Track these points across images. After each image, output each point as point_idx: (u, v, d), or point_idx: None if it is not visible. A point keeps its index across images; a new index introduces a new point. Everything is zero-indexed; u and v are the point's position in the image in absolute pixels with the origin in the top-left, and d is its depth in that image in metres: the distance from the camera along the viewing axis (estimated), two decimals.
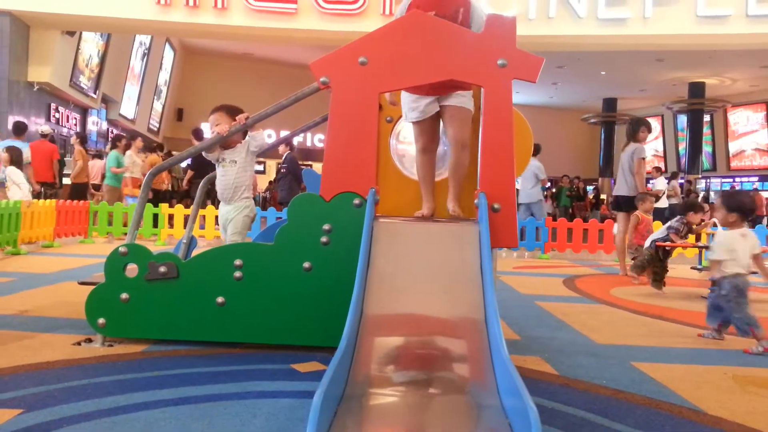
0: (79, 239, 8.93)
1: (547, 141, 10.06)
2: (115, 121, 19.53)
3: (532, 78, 2.88)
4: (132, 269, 3.01)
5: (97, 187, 11.69)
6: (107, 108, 19.07)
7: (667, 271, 5.90)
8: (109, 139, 16.08)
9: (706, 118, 24.40)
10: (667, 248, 5.80)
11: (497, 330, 2.04)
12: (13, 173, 7.78)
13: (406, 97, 3.40)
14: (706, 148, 25.34)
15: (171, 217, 9.42)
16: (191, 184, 10.84)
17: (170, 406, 2.21)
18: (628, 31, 13.48)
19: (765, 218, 17.67)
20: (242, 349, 3.00)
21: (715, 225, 6.33)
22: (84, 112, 17.50)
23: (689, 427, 2.24)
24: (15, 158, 7.88)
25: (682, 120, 25.00)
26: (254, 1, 13.30)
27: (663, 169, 21.51)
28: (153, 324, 3.01)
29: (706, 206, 10.53)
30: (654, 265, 5.75)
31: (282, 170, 10.61)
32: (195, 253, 3.27)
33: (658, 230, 6.08)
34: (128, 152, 10.60)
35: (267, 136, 6.23)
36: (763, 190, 21.96)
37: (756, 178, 24.65)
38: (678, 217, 6.02)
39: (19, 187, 7.71)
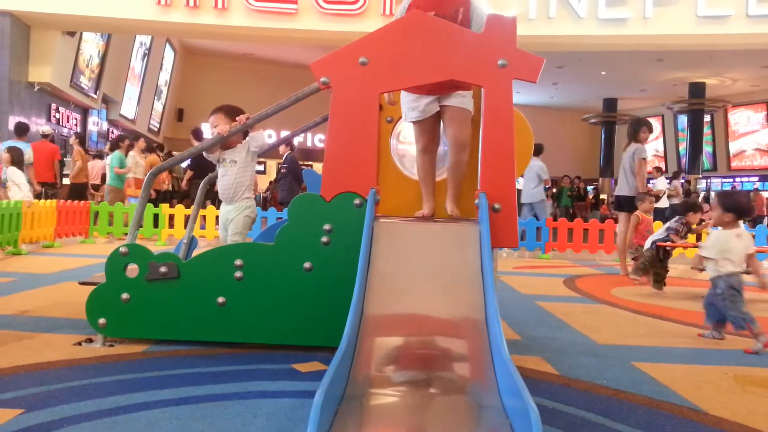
0: (79, 239, 8.93)
1: (547, 141, 10.05)
2: (116, 122, 19.54)
3: (533, 78, 2.88)
4: (133, 269, 3.01)
5: (97, 188, 11.70)
6: (108, 108, 19.07)
7: (668, 271, 5.90)
8: (110, 139, 16.10)
9: (707, 118, 24.41)
10: (667, 248, 5.80)
11: (498, 330, 2.04)
12: (14, 174, 7.78)
13: (405, 97, 3.40)
14: (707, 148, 25.35)
15: (171, 217, 9.42)
16: (191, 184, 10.84)
17: (171, 406, 2.21)
18: (628, 31, 13.48)
19: (766, 218, 17.67)
20: (243, 349, 3.00)
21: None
22: (84, 112, 17.51)
23: (690, 427, 2.24)
24: (16, 159, 7.90)
25: (683, 120, 25.00)
26: (254, 2, 13.30)
27: (663, 169, 21.52)
28: (154, 324, 3.01)
29: (706, 206, 10.53)
30: (655, 266, 5.75)
31: (282, 170, 10.62)
32: (195, 253, 3.27)
33: (658, 231, 6.08)
34: (131, 153, 10.60)
35: (267, 136, 6.23)
36: (763, 190, 21.96)
37: (756, 178, 24.66)
38: (677, 217, 6.02)
39: (20, 187, 7.71)
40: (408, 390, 2.03)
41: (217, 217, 8.08)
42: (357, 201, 2.92)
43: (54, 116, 15.35)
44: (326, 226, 2.95)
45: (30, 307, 3.87)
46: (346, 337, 1.99)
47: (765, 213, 17.96)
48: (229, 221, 3.81)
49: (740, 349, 3.47)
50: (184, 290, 2.99)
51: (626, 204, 6.88)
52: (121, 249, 3.00)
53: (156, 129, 22.81)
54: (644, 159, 6.81)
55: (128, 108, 19.92)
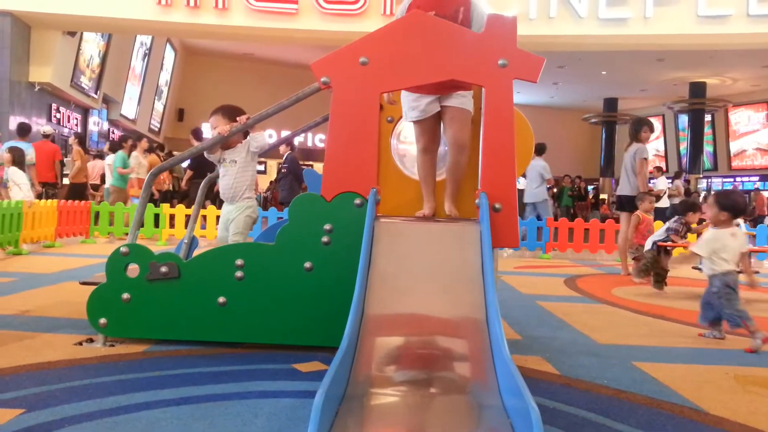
0: (80, 239, 8.93)
1: (548, 141, 10.05)
2: (116, 122, 19.55)
3: (533, 78, 2.88)
4: (133, 269, 3.01)
5: (96, 188, 11.70)
6: (108, 108, 19.09)
7: (668, 271, 5.90)
8: (110, 139, 16.11)
9: (707, 117, 24.42)
10: (668, 249, 5.80)
11: (498, 330, 2.04)
12: (15, 174, 7.79)
13: (406, 97, 3.39)
14: (707, 148, 25.36)
15: (172, 217, 9.43)
16: (190, 184, 10.84)
17: (172, 406, 2.21)
18: (628, 31, 13.48)
19: (767, 218, 17.67)
20: (243, 349, 3.00)
21: None
22: (85, 112, 17.52)
23: (691, 426, 2.24)
24: (17, 159, 7.90)
25: (683, 120, 25.01)
26: (255, 2, 13.30)
27: (664, 168, 21.52)
28: (154, 324, 3.01)
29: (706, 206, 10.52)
30: (656, 267, 5.75)
31: (283, 170, 10.62)
32: (196, 253, 3.27)
33: (658, 231, 6.08)
34: (134, 153, 10.60)
35: (268, 136, 6.22)
36: (764, 190, 21.97)
37: (757, 178, 24.67)
38: (676, 217, 6.01)
39: (20, 187, 7.72)
40: (409, 390, 2.03)
41: (217, 217, 8.08)
42: (357, 201, 2.92)
43: (54, 116, 15.36)
44: (327, 226, 2.95)
45: (31, 307, 3.87)
46: (346, 336, 1.99)
47: (766, 213, 17.95)
48: (230, 221, 3.81)
49: (741, 349, 3.47)
50: (185, 290, 2.99)
51: (628, 204, 6.88)
52: (121, 249, 3.00)
53: (156, 129, 22.83)
54: (645, 159, 6.81)
55: (129, 108, 19.93)
